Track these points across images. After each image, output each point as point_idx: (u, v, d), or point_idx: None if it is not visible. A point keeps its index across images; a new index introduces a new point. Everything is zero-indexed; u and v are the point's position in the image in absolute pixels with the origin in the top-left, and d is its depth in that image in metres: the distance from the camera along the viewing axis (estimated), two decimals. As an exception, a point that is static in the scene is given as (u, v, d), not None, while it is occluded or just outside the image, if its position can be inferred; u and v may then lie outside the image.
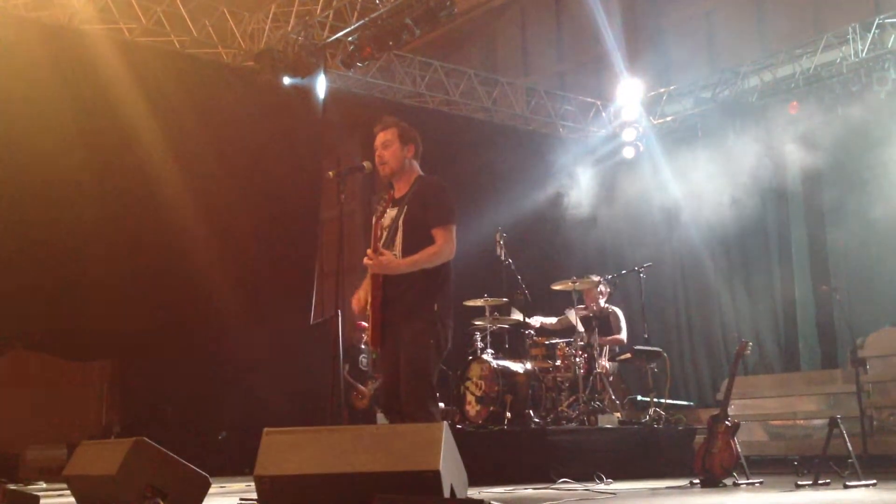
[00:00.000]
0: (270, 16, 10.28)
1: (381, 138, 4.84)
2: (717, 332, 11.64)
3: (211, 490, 4.69)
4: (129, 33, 9.76)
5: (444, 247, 4.64)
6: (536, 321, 9.41)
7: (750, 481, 6.47)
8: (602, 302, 9.31)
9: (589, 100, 13.17)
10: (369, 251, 4.59)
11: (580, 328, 8.77)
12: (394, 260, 4.61)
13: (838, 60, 10.67)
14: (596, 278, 9.31)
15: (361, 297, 4.82)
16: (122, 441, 4.43)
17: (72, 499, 4.80)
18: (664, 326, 11.49)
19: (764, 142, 10.92)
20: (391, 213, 4.80)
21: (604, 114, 13.19)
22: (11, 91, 8.68)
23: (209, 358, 10.40)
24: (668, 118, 12.72)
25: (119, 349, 9.76)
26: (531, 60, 12.26)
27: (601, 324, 8.92)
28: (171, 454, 4.53)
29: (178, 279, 10.05)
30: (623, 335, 9.36)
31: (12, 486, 6.39)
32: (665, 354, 9.06)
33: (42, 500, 5.19)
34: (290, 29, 10.17)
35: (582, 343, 8.62)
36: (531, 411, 8.26)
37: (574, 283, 9.05)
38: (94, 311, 9.55)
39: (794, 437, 9.08)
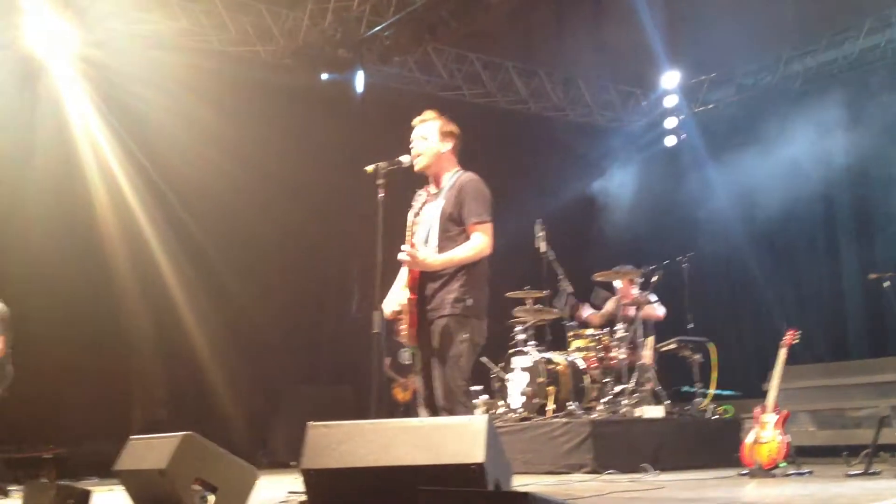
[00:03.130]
0: (308, 12, 10.32)
1: (419, 131, 4.82)
2: (764, 321, 11.49)
3: (259, 482, 4.73)
4: (168, 31, 9.86)
5: (481, 243, 4.60)
6: (586, 311, 9.37)
7: (799, 471, 6.40)
8: (636, 291, 9.22)
9: (628, 88, 13.06)
10: (404, 246, 4.57)
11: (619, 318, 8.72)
12: (429, 255, 4.58)
13: (882, 44, 10.48)
14: (633, 268, 9.21)
15: (393, 302, 4.79)
16: (172, 436, 4.49)
17: (123, 493, 4.87)
18: (709, 316, 11.33)
19: (808, 128, 10.74)
20: (428, 208, 4.79)
21: (644, 102, 13.07)
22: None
23: (253, 352, 10.53)
24: (710, 106, 12.57)
25: (168, 345, 9.91)
26: (569, 50, 12.15)
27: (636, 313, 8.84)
28: (219, 448, 4.58)
29: (223, 273, 10.20)
30: (661, 311, 9.23)
31: (64, 482, 6.51)
32: (711, 344, 8.96)
33: (93, 495, 5.29)
34: (326, 25, 10.20)
35: (625, 334, 8.56)
36: (574, 403, 8.23)
37: (617, 273, 8.99)
38: (141, 309, 9.72)
39: (843, 426, 8.94)
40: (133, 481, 4.73)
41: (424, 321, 4.62)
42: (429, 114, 4.87)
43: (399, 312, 4.71)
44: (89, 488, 5.36)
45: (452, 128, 4.85)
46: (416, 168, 4.81)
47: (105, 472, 6.88)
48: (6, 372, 7.44)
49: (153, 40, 9.63)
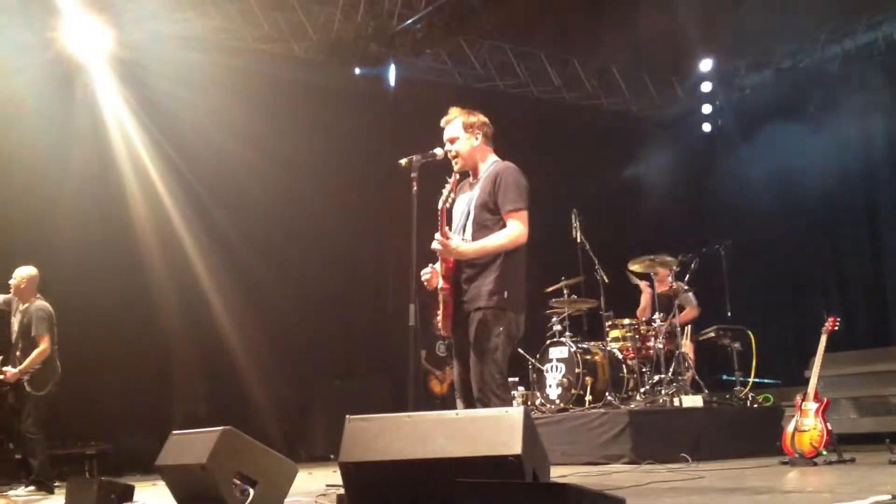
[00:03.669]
0: (340, 7, 10.35)
1: (447, 132, 4.81)
2: (804, 307, 11.35)
3: (298, 476, 4.77)
4: (202, 30, 9.94)
5: (515, 230, 4.56)
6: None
7: (842, 459, 6.31)
8: (671, 280, 9.13)
9: (663, 75, 12.93)
10: (437, 235, 4.55)
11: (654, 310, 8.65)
12: (462, 244, 4.56)
13: (923, 24, 10.29)
14: (668, 256, 9.11)
15: (433, 272, 4.76)
16: (211, 431, 4.53)
17: (165, 488, 4.93)
18: (748, 303, 11.23)
19: (847, 112, 10.57)
20: (464, 197, 4.77)
21: (679, 89, 12.95)
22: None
23: (290, 346, 10.61)
24: (746, 91, 12.41)
25: (206, 341, 10.01)
26: (602, 38, 12.07)
27: (670, 302, 8.74)
28: (258, 443, 4.62)
29: (258, 268, 10.30)
30: (695, 308, 9.18)
31: (107, 478, 6.61)
32: (749, 332, 8.86)
33: (136, 490, 5.37)
34: (359, 19, 10.23)
35: (661, 323, 8.50)
36: (612, 393, 8.19)
37: (652, 262, 8.91)
38: (179, 305, 9.83)
39: (886, 413, 8.81)
40: (174, 476, 4.79)
41: (460, 312, 4.60)
42: (452, 112, 4.84)
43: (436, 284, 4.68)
44: (132, 483, 5.45)
45: (476, 118, 4.81)
46: (457, 170, 4.79)
47: (147, 467, 6.98)
48: (55, 368, 7.56)
49: (187, 40, 9.72)
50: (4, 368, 7.40)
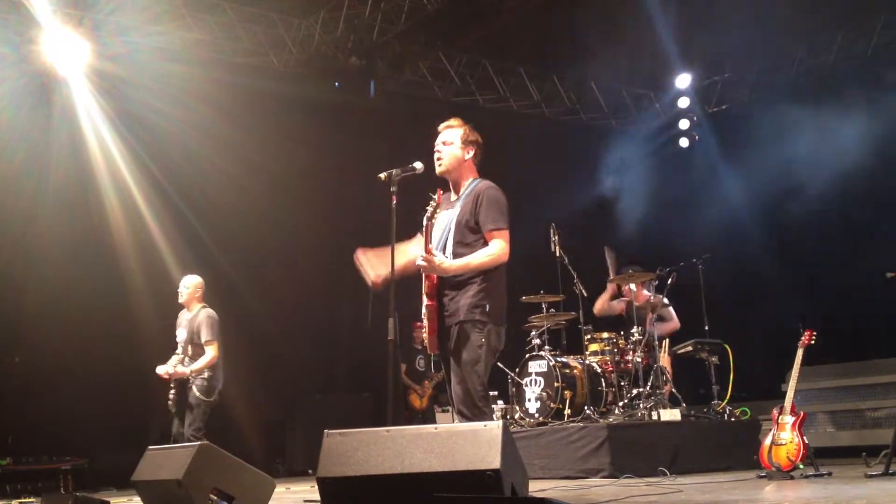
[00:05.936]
0: (320, 21, 10.36)
1: (443, 136, 4.84)
2: (781, 321, 11.39)
3: (276, 492, 4.75)
4: (181, 42, 9.92)
5: (498, 249, 4.60)
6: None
7: (818, 473, 6.34)
8: (647, 292, 9.16)
9: (642, 91, 13.03)
10: (421, 251, 4.57)
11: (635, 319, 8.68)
12: (445, 261, 4.60)
13: (897, 41, 10.41)
14: (643, 270, 9.15)
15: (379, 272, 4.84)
16: (188, 446, 4.51)
17: (140, 504, 4.90)
18: (725, 318, 11.29)
19: (822, 128, 10.67)
20: (445, 214, 4.79)
21: (657, 104, 13.04)
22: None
23: (270, 361, 10.56)
24: (724, 106, 12.52)
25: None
26: (582, 53, 12.15)
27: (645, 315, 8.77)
28: (235, 458, 4.60)
29: (238, 282, 10.26)
30: (676, 321, 9.24)
31: (82, 493, 6.55)
32: (727, 346, 8.91)
33: (112, 506, 5.32)
34: (339, 33, 10.24)
35: (641, 337, 8.52)
36: (591, 407, 8.21)
37: (631, 275, 8.95)
38: (156, 319, 9.77)
39: (862, 426, 8.87)
40: (150, 492, 4.76)
41: (443, 328, 4.62)
42: (454, 121, 4.89)
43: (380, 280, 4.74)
44: (107, 499, 5.40)
45: (476, 137, 4.86)
46: (437, 172, 4.83)
47: (122, 482, 6.92)
48: (220, 377, 7.61)
49: (167, 52, 9.71)
50: (172, 368, 7.36)
